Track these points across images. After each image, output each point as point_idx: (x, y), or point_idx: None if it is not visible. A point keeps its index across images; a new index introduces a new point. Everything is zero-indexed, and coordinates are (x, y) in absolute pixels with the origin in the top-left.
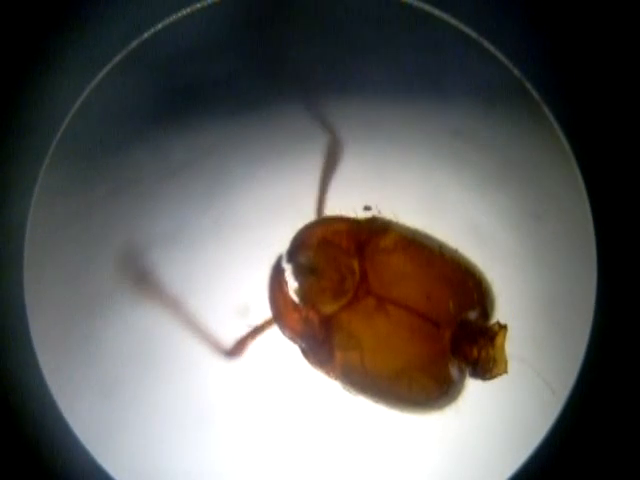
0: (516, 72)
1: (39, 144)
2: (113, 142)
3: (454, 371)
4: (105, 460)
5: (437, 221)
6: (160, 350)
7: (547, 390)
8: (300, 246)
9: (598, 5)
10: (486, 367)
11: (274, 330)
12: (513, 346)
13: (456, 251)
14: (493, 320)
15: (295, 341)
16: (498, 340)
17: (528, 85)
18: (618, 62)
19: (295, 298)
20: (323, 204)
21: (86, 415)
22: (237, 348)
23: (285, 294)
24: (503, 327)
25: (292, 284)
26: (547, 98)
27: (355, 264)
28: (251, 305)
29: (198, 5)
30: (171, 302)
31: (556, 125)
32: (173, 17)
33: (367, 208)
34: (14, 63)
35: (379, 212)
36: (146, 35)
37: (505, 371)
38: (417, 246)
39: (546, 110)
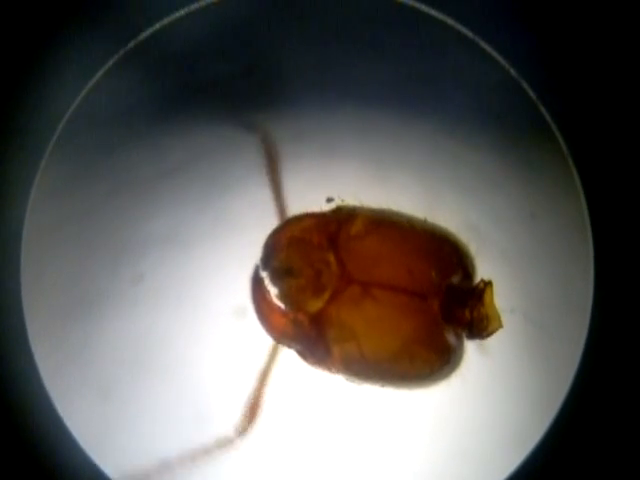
0: (512, 72)
1: (36, 145)
2: (110, 143)
3: (451, 338)
4: (102, 460)
5: (433, 221)
6: (158, 351)
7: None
8: (272, 251)
9: (595, 4)
10: (481, 326)
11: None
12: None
13: (425, 221)
14: (477, 279)
15: (289, 345)
16: (486, 297)
17: (524, 85)
18: (615, 62)
19: (279, 304)
20: (283, 207)
21: (84, 416)
22: (246, 422)
23: (269, 302)
24: (488, 283)
25: (273, 291)
26: (544, 98)
27: (330, 256)
28: (248, 306)
29: (196, 5)
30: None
31: (553, 125)
32: (171, 17)
33: (330, 199)
34: (11, 64)
35: (342, 201)
36: (143, 35)
37: (500, 325)
38: (387, 225)
39: (543, 110)
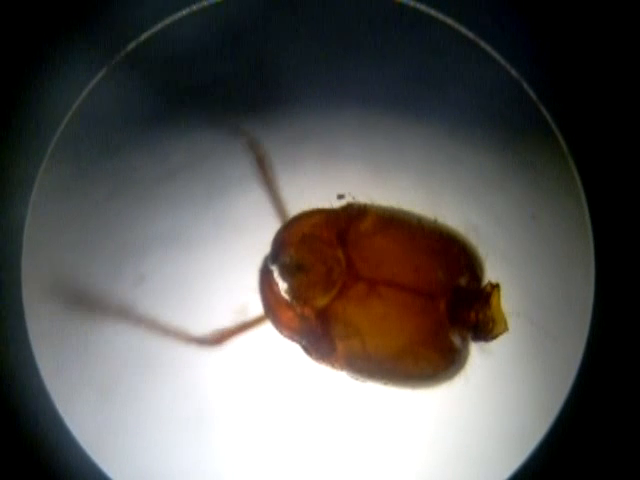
0: (513, 72)
1: (37, 146)
2: (111, 144)
3: (456, 339)
4: (103, 461)
5: (444, 222)
6: (158, 351)
7: (548, 339)
8: (281, 246)
9: (595, 5)
10: (487, 329)
11: (267, 328)
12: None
13: (435, 221)
14: (484, 281)
15: (294, 340)
16: (493, 300)
17: (525, 85)
18: (615, 62)
19: (287, 297)
20: (282, 207)
21: (84, 416)
22: (218, 338)
23: (277, 295)
24: (496, 286)
25: (281, 284)
26: (544, 98)
27: (339, 252)
28: (249, 306)
29: (197, 6)
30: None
31: (553, 125)
32: (171, 18)
33: (340, 196)
34: (12, 65)
35: (353, 198)
36: (144, 36)
37: (506, 329)
38: (396, 223)
39: (543, 110)
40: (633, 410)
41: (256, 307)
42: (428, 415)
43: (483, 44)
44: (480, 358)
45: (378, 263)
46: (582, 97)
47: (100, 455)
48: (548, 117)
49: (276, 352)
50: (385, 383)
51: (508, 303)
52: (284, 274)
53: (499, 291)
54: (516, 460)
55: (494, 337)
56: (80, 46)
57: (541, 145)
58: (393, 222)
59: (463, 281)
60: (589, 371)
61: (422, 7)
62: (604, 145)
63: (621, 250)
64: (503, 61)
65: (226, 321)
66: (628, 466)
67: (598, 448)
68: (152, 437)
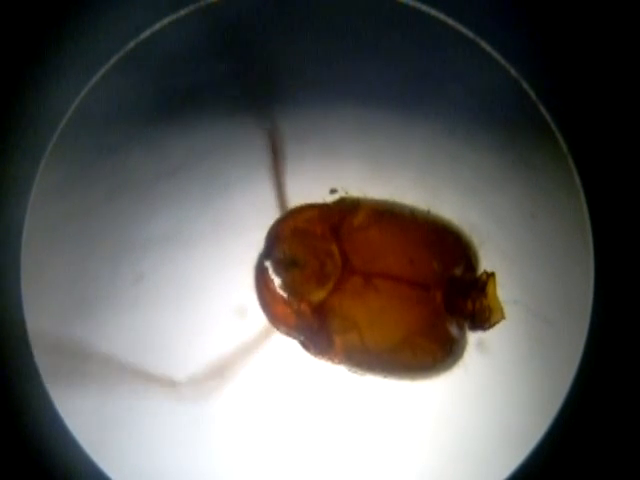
0: (513, 72)
1: (36, 144)
2: (110, 143)
3: (453, 329)
4: (103, 461)
5: (437, 213)
6: (158, 351)
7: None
8: (275, 241)
9: (595, 5)
10: (483, 317)
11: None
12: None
13: (428, 212)
14: (480, 270)
15: (292, 335)
16: (489, 289)
17: (525, 85)
18: (615, 62)
19: (283, 293)
20: (283, 197)
21: (84, 416)
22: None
23: (272, 291)
24: (491, 275)
25: (277, 280)
26: (544, 98)
27: (333, 247)
28: (248, 306)
29: (196, 5)
30: None
31: (553, 125)
32: (171, 17)
33: (333, 191)
34: (11, 63)
35: (346, 192)
36: (144, 36)
37: (503, 317)
38: (390, 216)
39: (543, 110)
40: (633, 409)
41: (255, 307)
42: (428, 414)
43: (483, 44)
44: (480, 357)
45: (373, 256)
46: (582, 97)
47: (100, 455)
48: (548, 117)
49: (274, 349)
50: (384, 375)
51: (508, 302)
52: (278, 270)
53: (495, 279)
54: (516, 459)
55: (491, 326)
56: (79, 45)
57: (541, 145)
58: (386, 215)
59: (458, 271)
60: (589, 370)
61: (422, 7)
62: (604, 145)
63: (620, 250)
64: (503, 61)
65: (225, 319)
66: (628, 466)
67: (598, 447)
68: (152, 437)
